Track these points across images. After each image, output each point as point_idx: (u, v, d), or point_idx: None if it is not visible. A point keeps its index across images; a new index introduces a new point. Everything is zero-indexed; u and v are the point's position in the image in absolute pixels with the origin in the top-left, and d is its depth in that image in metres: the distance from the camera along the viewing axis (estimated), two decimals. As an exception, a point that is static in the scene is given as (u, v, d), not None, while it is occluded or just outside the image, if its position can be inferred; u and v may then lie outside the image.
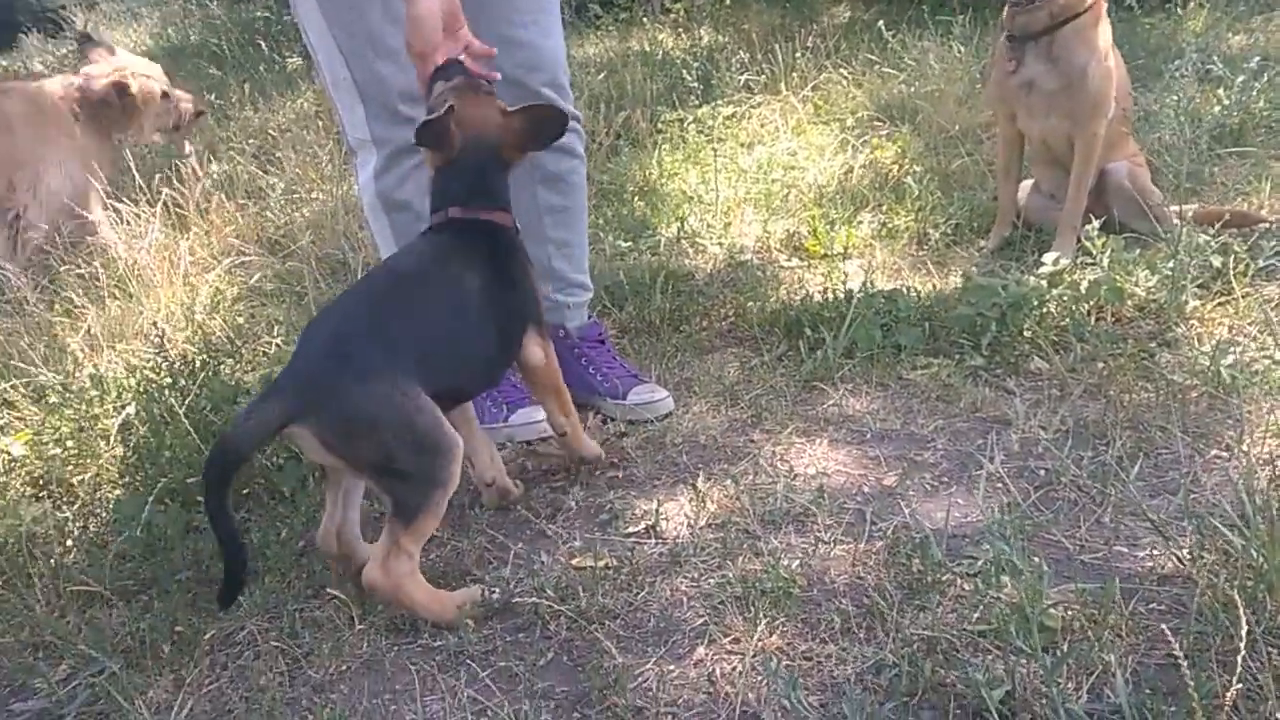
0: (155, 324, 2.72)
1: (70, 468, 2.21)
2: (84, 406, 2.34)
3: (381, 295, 1.76)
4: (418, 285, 1.78)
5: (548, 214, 2.33)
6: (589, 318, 2.49)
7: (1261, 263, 2.51)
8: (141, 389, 2.27)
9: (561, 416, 2.00)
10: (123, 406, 2.28)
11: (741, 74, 4.85)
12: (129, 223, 3.41)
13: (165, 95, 3.91)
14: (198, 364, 2.34)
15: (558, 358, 2.11)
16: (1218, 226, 2.67)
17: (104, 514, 2.06)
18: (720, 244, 3.30)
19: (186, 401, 2.18)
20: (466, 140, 1.84)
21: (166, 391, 2.23)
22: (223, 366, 2.43)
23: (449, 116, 1.79)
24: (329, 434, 1.57)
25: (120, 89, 3.71)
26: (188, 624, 1.72)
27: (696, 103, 4.59)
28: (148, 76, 3.85)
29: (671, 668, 1.54)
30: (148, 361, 2.39)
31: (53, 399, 2.38)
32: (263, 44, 6.54)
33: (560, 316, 2.41)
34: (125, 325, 2.89)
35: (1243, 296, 2.47)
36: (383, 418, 1.58)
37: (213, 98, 5.65)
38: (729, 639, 1.58)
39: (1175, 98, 3.42)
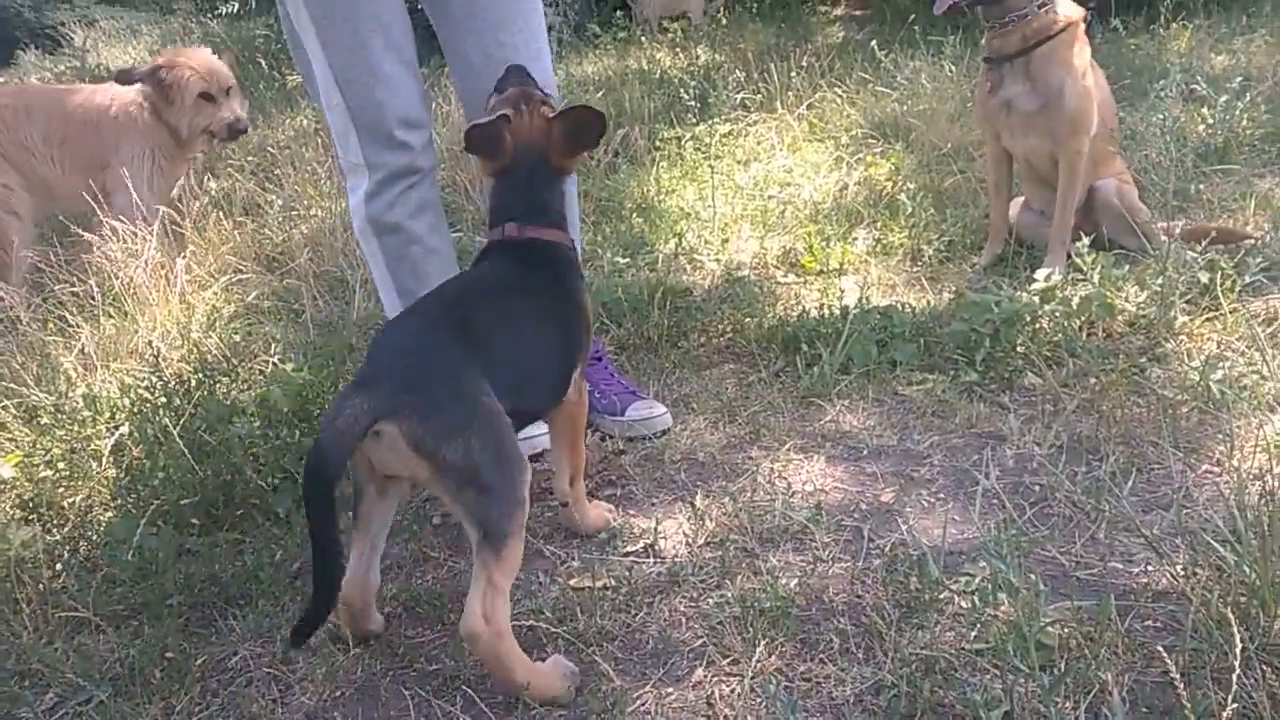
0: (150, 343, 2.71)
1: (61, 490, 2.19)
2: (76, 427, 2.33)
3: (463, 306, 1.71)
4: (494, 303, 1.74)
5: None
6: None
7: (1248, 279, 2.52)
8: (135, 409, 2.26)
9: (566, 482, 1.94)
10: (116, 427, 2.26)
11: (738, 92, 4.87)
12: (125, 240, 3.40)
13: (206, 96, 3.72)
14: (193, 383, 2.33)
15: None
16: (1204, 243, 2.69)
17: (95, 537, 2.05)
18: (718, 260, 3.31)
19: (181, 421, 2.18)
20: (518, 149, 1.84)
21: (161, 411, 2.22)
22: (218, 386, 2.42)
23: (501, 123, 1.80)
24: (420, 432, 1.47)
25: (157, 72, 3.68)
26: (179, 650, 1.71)
27: (694, 120, 4.61)
28: (192, 70, 3.70)
29: (670, 690, 1.54)
30: (142, 381, 2.38)
31: (44, 420, 2.37)
32: (262, 62, 6.55)
33: None
34: (120, 344, 2.88)
35: (1230, 312, 2.48)
36: (474, 420, 1.51)
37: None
38: (727, 660, 1.57)
39: (1161, 117, 3.45)
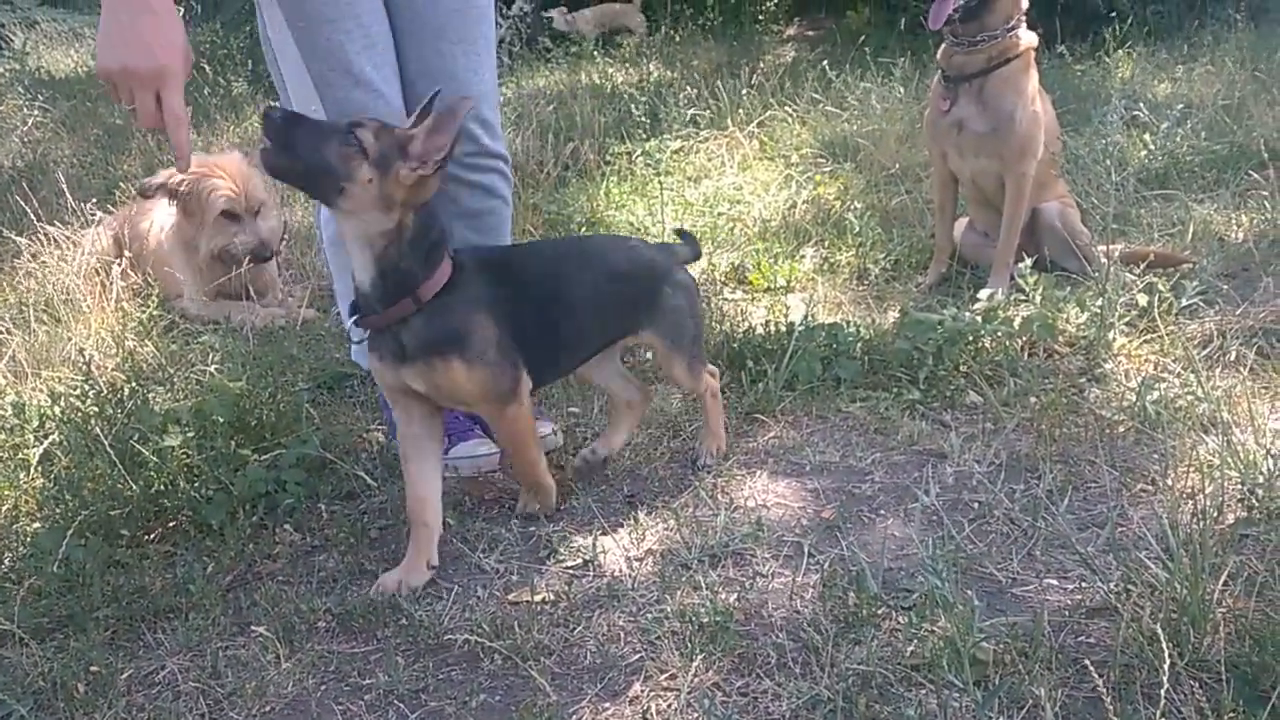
0: (82, 350, 2.65)
1: (-14, 500, 2.13)
2: (3, 436, 2.27)
3: None
4: None
5: None
6: None
7: (1185, 301, 2.58)
8: (65, 418, 2.20)
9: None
10: (45, 436, 2.20)
11: (689, 109, 4.91)
12: (61, 246, 3.33)
13: (230, 215, 3.28)
14: (126, 392, 2.27)
15: None
16: (1143, 266, 2.75)
17: (20, 548, 1.98)
18: (664, 276, 3.30)
19: (113, 431, 2.12)
20: None
21: (92, 421, 2.16)
22: (152, 395, 2.37)
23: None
24: None
25: (169, 185, 3.26)
26: (104, 664, 1.66)
27: (644, 136, 4.63)
28: (219, 183, 3.25)
29: (606, 705, 1.52)
30: (73, 389, 2.32)
31: (-30, 428, 2.30)
32: (207, 68, 6.46)
33: None
34: (52, 351, 2.81)
35: (1167, 334, 2.53)
36: None
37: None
38: (665, 675, 1.56)
39: (1103, 142, 3.52)
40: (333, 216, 2.11)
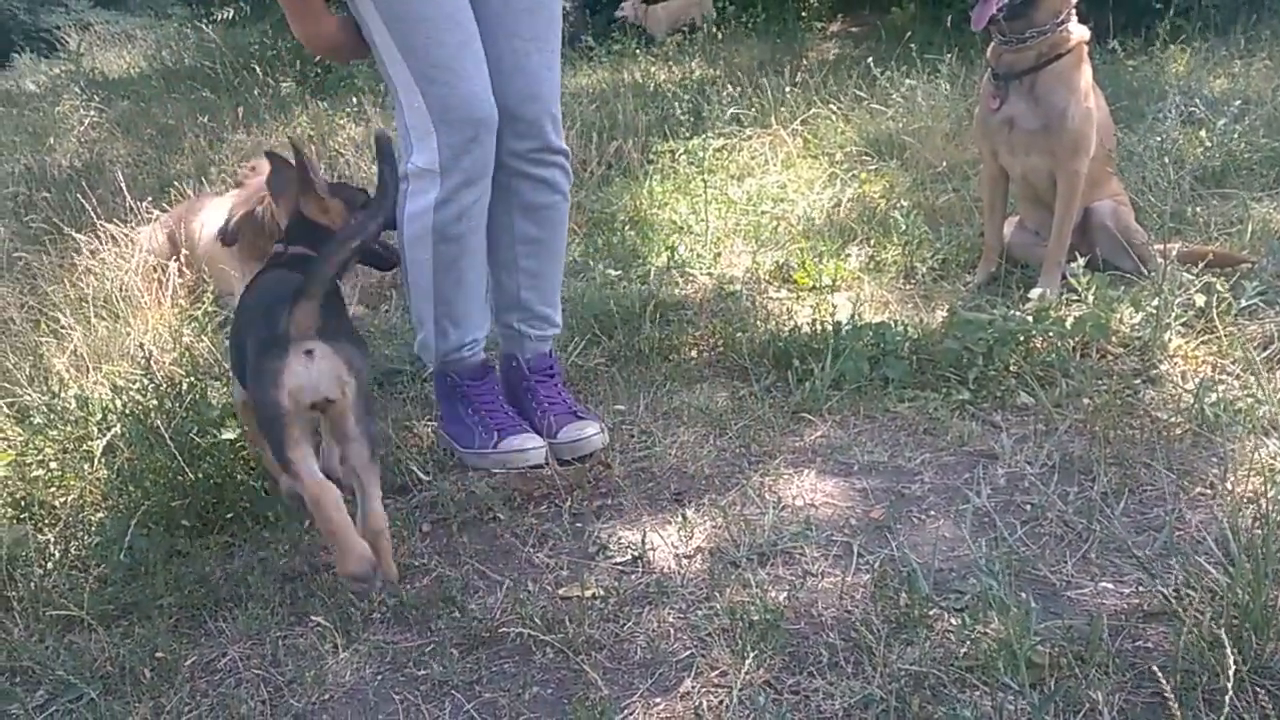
0: (141, 345, 2.71)
1: (53, 489, 2.19)
2: (69, 428, 2.33)
3: None
4: None
5: (521, 243, 2.31)
6: (549, 351, 2.44)
7: (1244, 302, 2.53)
8: (127, 410, 2.26)
9: None
10: (108, 428, 2.26)
11: (732, 107, 4.90)
12: (119, 243, 3.40)
13: None
14: (184, 386, 2.33)
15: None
16: (1201, 266, 2.70)
17: (86, 537, 2.04)
18: (710, 274, 3.31)
19: (173, 424, 2.17)
20: None
21: (152, 414, 2.21)
22: (210, 389, 2.42)
23: None
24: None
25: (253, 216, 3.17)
26: (168, 650, 1.71)
27: (687, 134, 4.63)
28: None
29: (658, 700, 1.53)
30: (134, 383, 2.38)
31: (37, 420, 2.36)
32: (257, 68, 6.57)
33: (518, 346, 2.39)
34: (112, 346, 2.87)
35: (1225, 335, 2.49)
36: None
37: (205, 119, 5.68)
38: (716, 672, 1.57)
39: (1158, 139, 3.46)
40: (422, 212, 2.13)
